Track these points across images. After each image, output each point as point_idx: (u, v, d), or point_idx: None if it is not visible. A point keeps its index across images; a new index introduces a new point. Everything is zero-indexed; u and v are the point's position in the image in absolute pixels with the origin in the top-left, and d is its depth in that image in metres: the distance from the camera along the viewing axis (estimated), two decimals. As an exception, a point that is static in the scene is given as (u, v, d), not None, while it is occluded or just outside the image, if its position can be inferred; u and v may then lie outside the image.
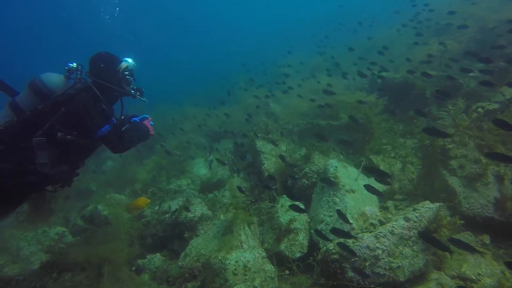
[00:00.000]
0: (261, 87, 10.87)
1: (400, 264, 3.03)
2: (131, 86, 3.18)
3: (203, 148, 7.16)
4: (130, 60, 3.21)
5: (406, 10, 12.03)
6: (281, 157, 4.73)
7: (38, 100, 2.66)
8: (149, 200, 4.78)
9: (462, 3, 11.23)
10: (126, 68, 3.11)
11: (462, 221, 3.64)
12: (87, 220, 6.04)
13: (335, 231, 3.29)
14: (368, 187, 3.72)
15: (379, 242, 3.13)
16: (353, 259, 3.09)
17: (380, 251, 3.07)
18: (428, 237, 2.99)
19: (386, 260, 3.05)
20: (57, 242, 5.55)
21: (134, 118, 3.25)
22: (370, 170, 4.24)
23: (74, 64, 2.84)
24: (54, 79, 2.73)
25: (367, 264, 3.06)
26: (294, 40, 22.40)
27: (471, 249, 2.73)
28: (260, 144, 5.35)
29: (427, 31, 10.07)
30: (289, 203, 4.42)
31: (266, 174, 4.91)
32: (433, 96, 6.18)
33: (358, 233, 3.38)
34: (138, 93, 3.22)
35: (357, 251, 3.10)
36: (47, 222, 5.65)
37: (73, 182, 3.12)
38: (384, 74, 6.96)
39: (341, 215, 3.54)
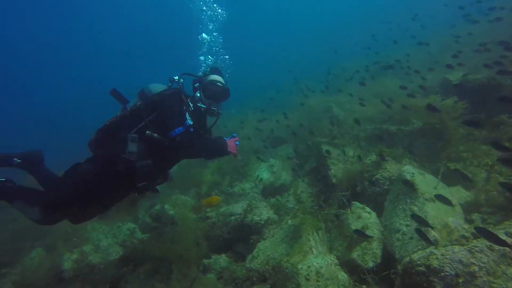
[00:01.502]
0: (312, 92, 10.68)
1: (504, 286, 2.64)
2: (205, 103, 3.24)
3: (264, 152, 7.19)
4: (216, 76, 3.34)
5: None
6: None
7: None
8: (220, 198, 4.91)
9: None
10: (208, 83, 3.25)
11: None
12: (154, 218, 6.41)
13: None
14: (440, 197, 3.44)
15: (475, 257, 2.78)
16: (443, 273, 2.78)
17: (476, 268, 2.72)
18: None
19: (485, 279, 2.68)
20: (129, 237, 5.98)
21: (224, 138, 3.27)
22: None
23: (176, 77, 3.27)
24: (158, 88, 3.07)
25: (460, 281, 2.73)
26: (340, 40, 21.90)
27: None
28: (326, 149, 5.20)
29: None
30: (360, 210, 4.21)
31: (334, 180, 4.73)
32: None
33: (446, 245, 3.06)
34: (201, 110, 3.24)
35: (448, 265, 2.79)
36: (122, 219, 6.14)
37: (157, 189, 3.33)
38: (460, 75, 6.36)
39: (418, 217, 3.35)
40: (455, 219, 3.75)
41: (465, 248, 2.87)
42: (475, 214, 4.14)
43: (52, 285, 4.74)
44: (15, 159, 3.07)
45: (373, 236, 3.81)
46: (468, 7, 10.10)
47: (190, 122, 3.04)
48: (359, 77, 9.51)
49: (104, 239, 5.74)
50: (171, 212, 6.10)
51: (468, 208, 4.25)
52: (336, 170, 4.90)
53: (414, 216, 3.51)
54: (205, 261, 4.73)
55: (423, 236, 3.24)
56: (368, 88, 8.69)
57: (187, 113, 3.07)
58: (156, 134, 2.93)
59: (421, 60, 10.20)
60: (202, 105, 3.24)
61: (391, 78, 9.42)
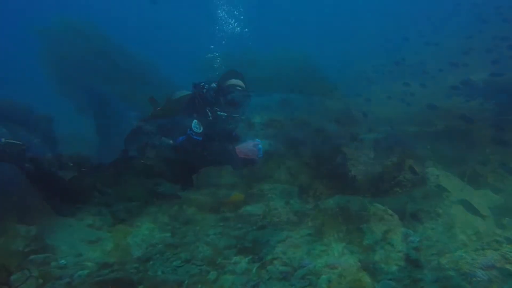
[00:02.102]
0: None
1: (543, 293, 2.49)
2: (224, 110, 3.13)
3: (280, 153, 7.13)
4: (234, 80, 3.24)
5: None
6: None
7: None
8: (243, 195, 4.90)
9: None
10: (227, 87, 3.17)
11: None
12: (172, 218, 6.44)
13: None
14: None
15: (510, 263, 2.63)
16: (475, 279, 2.65)
17: (512, 274, 2.57)
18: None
19: (521, 285, 2.53)
20: (147, 237, 6.03)
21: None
22: None
23: (202, 83, 3.18)
24: (181, 94, 3.11)
25: (494, 286, 2.59)
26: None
27: None
28: (345, 150, 5.12)
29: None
30: (382, 212, 4.10)
31: (354, 181, 4.64)
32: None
33: (477, 249, 2.92)
34: (222, 117, 3.11)
35: (479, 270, 2.66)
36: (140, 219, 6.20)
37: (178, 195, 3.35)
38: (485, 75, 6.15)
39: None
40: (484, 223, 3.59)
41: (498, 253, 2.73)
42: (507, 218, 3.96)
43: (69, 282, 4.81)
44: (70, 163, 3.21)
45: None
46: (481, 6, 9.90)
47: (197, 130, 2.95)
48: (372, 78, 9.38)
49: (122, 238, 5.80)
50: (189, 212, 6.11)
51: (499, 213, 4.07)
52: (356, 171, 4.80)
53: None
54: (223, 262, 4.70)
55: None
56: (382, 89, 8.53)
57: (195, 121, 2.98)
58: (171, 141, 2.95)
59: (438, 60, 9.96)
60: (223, 113, 3.13)
61: (407, 79, 9.22)
